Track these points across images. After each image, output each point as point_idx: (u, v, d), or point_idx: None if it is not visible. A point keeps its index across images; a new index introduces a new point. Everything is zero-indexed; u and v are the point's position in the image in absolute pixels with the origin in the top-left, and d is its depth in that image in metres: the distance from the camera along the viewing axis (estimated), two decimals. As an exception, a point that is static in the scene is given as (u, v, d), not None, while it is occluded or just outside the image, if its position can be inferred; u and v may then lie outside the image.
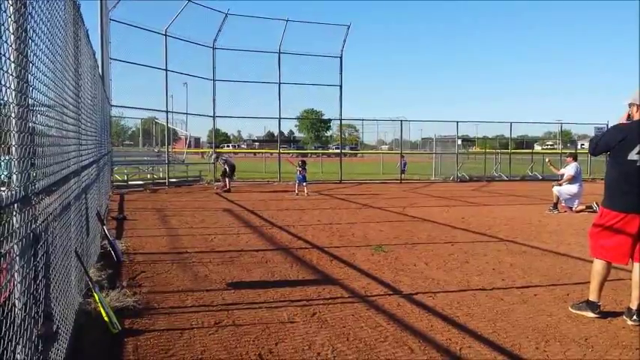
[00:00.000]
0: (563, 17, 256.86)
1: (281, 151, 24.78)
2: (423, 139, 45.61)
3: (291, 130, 71.42)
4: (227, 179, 18.38)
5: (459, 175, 26.18)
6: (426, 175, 27.81)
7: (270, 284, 5.87)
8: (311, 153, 52.88)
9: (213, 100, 22.51)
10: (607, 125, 29.88)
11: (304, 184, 17.26)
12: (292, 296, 5.40)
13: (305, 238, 8.95)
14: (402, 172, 25.55)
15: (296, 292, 5.58)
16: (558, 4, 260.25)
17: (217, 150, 20.22)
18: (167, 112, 20.54)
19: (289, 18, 22.79)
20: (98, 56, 12.62)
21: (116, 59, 18.03)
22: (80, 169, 5.13)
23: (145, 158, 25.90)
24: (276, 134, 27.95)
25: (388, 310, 4.99)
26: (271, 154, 35.79)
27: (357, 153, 56.99)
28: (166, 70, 19.92)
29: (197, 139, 28.20)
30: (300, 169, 17.33)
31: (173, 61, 20.29)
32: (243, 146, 72.19)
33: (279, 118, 23.41)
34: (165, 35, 19.87)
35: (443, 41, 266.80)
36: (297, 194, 16.95)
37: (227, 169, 18.41)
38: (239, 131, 69.16)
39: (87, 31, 6.85)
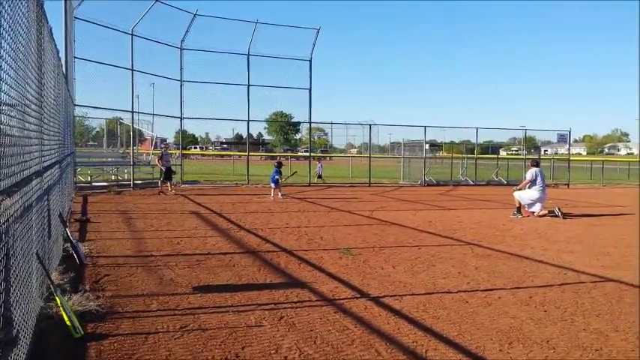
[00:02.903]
0: (527, 23, 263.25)
1: (250, 153, 24.67)
2: (391, 143, 46.12)
3: (260, 133, 70.96)
4: (167, 182, 18.12)
5: (427, 179, 26.54)
6: (394, 179, 28.07)
7: (238, 288, 5.83)
8: (280, 156, 52.73)
9: (181, 101, 22.29)
10: (569, 132, 30.80)
11: (273, 185, 17.17)
12: (260, 300, 5.37)
13: (273, 241, 8.92)
14: (319, 176, 25.48)
15: (263, 295, 5.55)
16: (524, 11, 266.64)
17: (169, 150, 19.85)
18: (133, 112, 20.20)
19: (259, 20, 22.78)
20: (62, 55, 12.32)
21: (81, 58, 17.63)
22: (42, 169, 5.00)
23: (110, 159, 25.37)
24: (244, 136, 27.79)
25: (356, 313, 5.01)
26: (240, 156, 35.65)
27: (326, 156, 57.15)
28: (132, 70, 19.59)
29: (163, 140, 27.71)
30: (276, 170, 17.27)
31: (140, 61, 20.00)
32: (211, 148, 71.46)
33: (248, 121, 23.34)
34: (132, 35, 19.55)
35: (413, 46, 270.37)
36: (273, 197, 16.84)
37: (162, 170, 18.00)
38: (207, 133, 68.32)
39: (51, 29, 6.69)
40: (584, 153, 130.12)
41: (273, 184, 17.24)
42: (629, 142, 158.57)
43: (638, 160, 40.17)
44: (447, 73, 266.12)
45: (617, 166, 44.37)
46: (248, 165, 23.81)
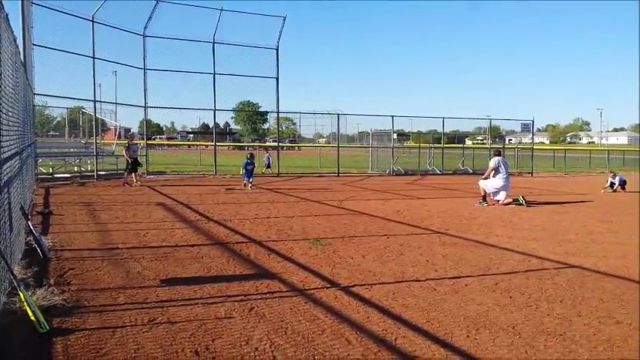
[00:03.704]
0: (490, 14, 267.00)
1: (217, 143, 24.40)
2: (359, 132, 46.26)
3: (227, 122, 70.29)
4: (133, 173, 17.78)
5: (395, 168, 26.77)
6: (362, 168, 28.22)
7: (207, 280, 5.77)
8: (248, 146, 52.35)
9: (144, 89, 21.85)
10: (533, 122, 31.47)
11: (247, 178, 16.99)
12: (229, 291, 5.33)
13: (242, 232, 8.86)
14: (267, 166, 25.28)
15: (233, 287, 5.51)
16: (487, 1, 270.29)
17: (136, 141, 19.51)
18: (95, 101, 19.68)
19: (224, 7, 22.46)
20: (20, 42, 11.90)
21: (40, 45, 17.05)
22: (2, 161, 4.83)
23: (72, 150, 24.74)
24: (211, 126, 27.46)
25: (326, 302, 5.03)
26: (206, 146, 35.23)
27: (294, 146, 56.98)
28: (94, 57, 19.06)
29: (127, 130, 27.16)
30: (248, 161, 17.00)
31: (101, 49, 19.46)
32: (176, 138, 70.42)
33: (214, 110, 23.06)
34: (93, 21, 19.01)
35: (381, 36, 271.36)
36: (251, 187, 16.77)
37: (129, 161, 17.65)
38: (172, 122, 67.24)
39: (7, 15, 6.43)
40: (547, 142, 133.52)
41: (246, 177, 17.01)
42: (590, 131, 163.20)
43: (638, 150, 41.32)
44: (414, 63, 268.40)
45: (579, 155, 45.59)
46: (215, 155, 23.56)
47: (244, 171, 17.02)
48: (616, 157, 41.66)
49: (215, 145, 24.57)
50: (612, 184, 18.14)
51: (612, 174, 18.88)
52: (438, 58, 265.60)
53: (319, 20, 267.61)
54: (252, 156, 17.47)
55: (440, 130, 29.24)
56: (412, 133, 37.54)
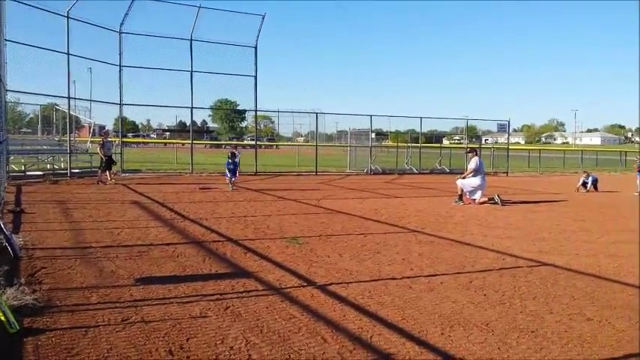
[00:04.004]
0: (467, 15, 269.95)
1: (194, 141, 24.19)
2: (338, 131, 46.32)
3: (204, 120, 69.46)
4: (107, 171, 17.47)
5: (373, 167, 26.87)
6: (341, 167, 28.27)
7: (182, 279, 5.72)
8: (225, 144, 52.03)
9: (120, 87, 21.54)
10: (508, 122, 31.91)
11: (229, 177, 16.26)
12: (205, 290, 5.29)
13: (218, 230, 8.80)
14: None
15: (209, 286, 5.47)
16: (464, 2, 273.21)
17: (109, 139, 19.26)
18: (69, 98, 19.29)
19: (201, 5, 22.24)
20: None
21: (12, 41, 16.66)
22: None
23: (45, 147, 24.25)
24: (188, 124, 27.20)
25: (302, 301, 5.02)
26: (183, 144, 34.91)
27: (272, 145, 56.84)
28: (68, 54, 18.68)
29: (102, 127, 26.78)
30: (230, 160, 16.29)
31: (76, 45, 19.08)
32: (152, 136, 69.57)
33: (192, 108, 22.84)
34: (67, 17, 18.64)
35: (361, 36, 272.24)
36: (232, 188, 15.95)
37: (103, 159, 17.35)
38: (148, 120, 66.36)
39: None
40: (523, 142, 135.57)
41: (227, 175, 16.34)
42: (564, 131, 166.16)
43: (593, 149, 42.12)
44: (393, 63, 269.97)
45: (554, 155, 46.40)
46: (192, 153, 23.35)
47: (227, 171, 16.37)
48: (589, 157, 42.43)
49: (192, 143, 24.36)
50: (585, 184, 18.50)
51: (585, 174, 19.24)
52: (417, 59, 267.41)
53: (298, 19, 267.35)
54: (233, 155, 16.63)
55: (418, 129, 29.48)
56: (390, 132, 37.79)
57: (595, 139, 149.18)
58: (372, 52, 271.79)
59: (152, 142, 54.89)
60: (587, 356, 3.86)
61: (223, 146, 50.42)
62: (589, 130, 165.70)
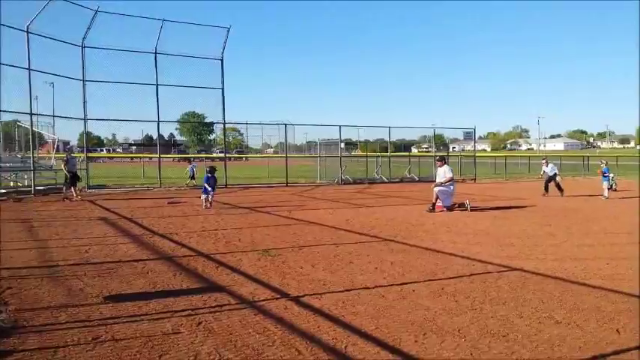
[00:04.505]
0: (433, 26, 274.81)
1: (161, 155, 23.88)
2: (308, 142, 46.41)
3: (171, 134, 68.62)
4: (72, 187, 17.06)
5: (343, 177, 26.98)
6: (311, 178, 28.29)
7: (152, 295, 5.62)
8: (194, 157, 51.47)
9: (84, 101, 21.17)
10: (474, 130, 32.55)
11: (206, 194, 14.69)
12: (176, 306, 5.21)
13: (189, 245, 8.69)
14: (192, 177, 23.98)
15: (180, 301, 5.39)
16: (430, 11, 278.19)
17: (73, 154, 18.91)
18: (31, 114, 18.86)
19: (165, 18, 22.09)
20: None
21: (-30, 58, 16.24)
22: None
23: (7, 164, 23.58)
24: (155, 138, 26.84)
25: (276, 314, 4.99)
26: (150, 158, 34.42)
27: (242, 157, 56.55)
28: (29, 69, 18.29)
29: (66, 143, 26.24)
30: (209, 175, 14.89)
31: (38, 60, 18.70)
32: (118, 150, 68.41)
33: (158, 121, 22.57)
34: (27, 32, 18.27)
35: (328, 49, 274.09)
36: (205, 206, 14.51)
37: (68, 176, 16.96)
38: (114, 134, 65.18)
39: None
40: (489, 149, 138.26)
41: (205, 191, 14.71)
42: (529, 138, 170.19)
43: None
44: (361, 73, 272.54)
45: (519, 161, 47.39)
46: (160, 167, 23.04)
47: (205, 186, 14.77)
48: (553, 162, 43.36)
49: (159, 157, 24.04)
50: (551, 179, 18.78)
51: (545, 161, 19.72)
52: (384, 69, 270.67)
53: (266, 29, 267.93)
54: (212, 169, 15.32)
55: (387, 138, 29.77)
56: (360, 142, 38.00)
57: (558, 145, 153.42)
58: (338, 63, 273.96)
59: (118, 157, 53.99)
60: (557, 359, 3.94)
61: (192, 159, 49.90)
62: (552, 136, 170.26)
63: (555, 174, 19.16)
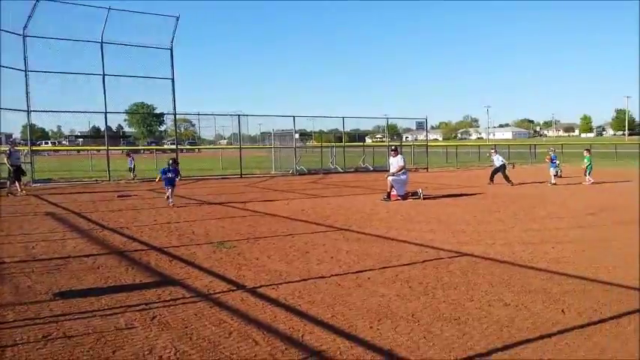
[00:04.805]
0: (387, 16, 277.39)
1: (109, 147, 23.24)
2: (262, 133, 46.11)
3: (119, 125, 66.67)
4: (16, 182, 16.39)
5: (298, 168, 26.97)
6: (266, 169, 28.15)
7: (104, 291, 5.49)
8: (144, 149, 50.29)
9: (27, 92, 20.31)
10: (426, 120, 33.12)
11: (167, 187, 13.32)
12: (129, 301, 5.11)
13: (141, 239, 8.51)
14: (131, 169, 23.07)
15: (133, 296, 5.29)
16: (381, 3, 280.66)
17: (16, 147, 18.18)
18: (-30, 107, 17.98)
19: (112, 6, 21.37)
20: None
21: None
22: None
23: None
24: (102, 129, 26.03)
25: (232, 305, 4.97)
26: (98, 150, 33.40)
27: (194, 148, 55.65)
28: (-35, 61, 17.40)
29: (9, 136, 25.17)
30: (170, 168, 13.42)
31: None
32: (65, 143, 66.05)
33: (105, 113, 21.87)
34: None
35: (281, 38, 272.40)
36: (170, 201, 13.10)
37: (11, 170, 16.32)
38: (59, 126, 62.80)
39: None
40: (441, 139, 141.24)
41: (168, 187, 13.28)
42: (478, 127, 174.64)
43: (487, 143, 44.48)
44: (315, 64, 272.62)
45: (469, 150, 48.63)
46: (108, 160, 22.39)
47: (163, 180, 13.41)
48: (502, 151, 44.60)
49: (107, 149, 23.36)
50: (500, 168, 19.16)
51: (494, 150, 20.10)
52: (338, 60, 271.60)
53: (220, 21, 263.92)
54: (174, 162, 13.87)
55: (341, 129, 29.92)
56: (314, 132, 38.08)
57: (507, 134, 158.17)
58: (292, 52, 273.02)
59: (64, 150, 52.16)
60: (506, 339, 4.09)
61: (142, 151, 48.70)
62: (501, 125, 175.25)
63: (503, 165, 19.46)
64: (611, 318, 4.53)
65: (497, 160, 19.49)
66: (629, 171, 26.84)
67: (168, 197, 13.22)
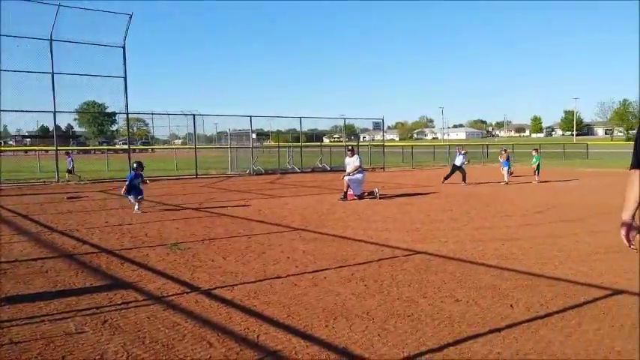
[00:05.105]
0: (342, 17, 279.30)
1: (58, 147, 22.48)
2: (218, 133, 45.62)
3: (69, 125, 64.61)
4: None
5: (255, 168, 26.82)
6: (222, 169, 27.86)
7: (53, 295, 5.32)
8: (95, 149, 48.89)
9: (-31, 92, 19.44)
10: (382, 120, 33.49)
11: (133, 197, 11.80)
12: (79, 305, 4.97)
13: (91, 242, 8.28)
14: (69, 171, 22.02)
15: (84, 300, 5.14)
16: (339, 8, 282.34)
17: None
18: None
19: (61, 3, 20.67)
20: None
21: None
22: None
23: None
24: (51, 129, 25.15)
25: (186, 308, 4.91)
26: (47, 151, 32.29)
27: (147, 148, 54.51)
28: None
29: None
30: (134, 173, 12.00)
31: None
32: (11, 143, 63.52)
33: (55, 112, 21.14)
34: None
35: (235, 40, 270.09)
36: (138, 208, 11.67)
37: None
38: (5, 126, 60.31)
39: None
40: (397, 139, 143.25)
41: (131, 196, 11.84)
42: (433, 127, 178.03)
43: (443, 144, 45.43)
44: (271, 63, 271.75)
45: (425, 150, 49.49)
46: (57, 160, 21.67)
47: (128, 187, 11.83)
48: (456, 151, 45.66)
49: (56, 149, 22.59)
50: (459, 169, 19.42)
51: (464, 151, 20.32)
52: (295, 60, 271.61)
53: (172, 20, 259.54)
54: (139, 165, 12.26)
55: (298, 129, 29.94)
56: (272, 132, 37.95)
57: (461, 134, 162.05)
58: (248, 52, 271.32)
59: (10, 150, 50.16)
60: (457, 334, 4.20)
61: (92, 151, 47.37)
62: (455, 126, 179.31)
63: (463, 164, 19.75)
64: (557, 312, 4.71)
65: (459, 160, 19.73)
66: (577, 170, 27.97)
67: (135, 205, 11.65)
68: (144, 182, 12.27)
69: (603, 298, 5.13)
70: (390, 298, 5.20)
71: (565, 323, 4.43)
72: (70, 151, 24.39)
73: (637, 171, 2.89)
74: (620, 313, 4.69)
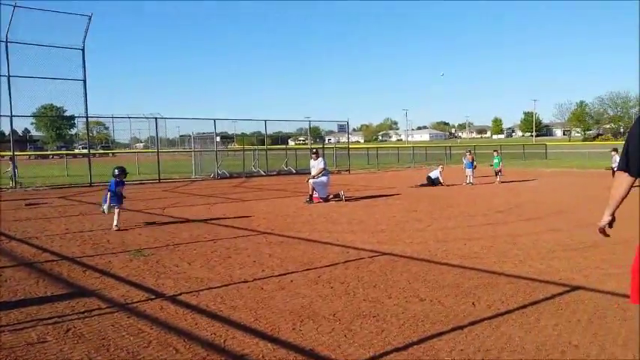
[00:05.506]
0: (301, 19, 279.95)
1: (15, 153, 21.81)
2: (181, 136, 45.04)
3: (26, 129, 62.81)
4: None
5: (219, 172, 26.60)
6: (186, 173, 27.53)
7: (13, 305, 5.18)
8: (53, 154, 47.60)
9: None
10: (347, 122, 33.70)
11: (113, 205, 10.18)
12: (41, 314, 4.85)
13: (52, 249, 8.08)
14: (13, 177, 21.25)
15: (45, 309, 5.03)
16: (304, 12, 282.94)
17: None
18: None
19: (17, 4, 20.07)
20: None
21: None
22: None
23: None
24: (7, 133, 24.38)
25: (151, 314, 4.86)
26: (3, 156, 31.29)
27: (108, 152, 53.36)
28: None
29: None
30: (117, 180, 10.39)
31: None
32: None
33: (11, 116, 20.49)
34: None
35: (195, 41, 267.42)
36: (117, 225, 9.97)
37: None
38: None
39: None
40: (362, 141, 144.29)
41: (109, 203, 10.19)
42: (398, 129, 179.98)
43: (407, 145, 46.00)
44: (235, 67, 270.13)
45: (389, 152, 50.02)
46: (15, 166, 21.00)
47: (109, 194, 10.21)
48: (420, 152, 46.42)
49: (13, 155, 21.92)
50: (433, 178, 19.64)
51: (441, 168, 20.47)
52: (259, 63, 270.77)
53: (135, 21, 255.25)
54: (122, 171, 10.66)
55: (263, 131, 29.84)
56: (236, 135, 37.71)
57: (424, 136, 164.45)
58: (211, 56, 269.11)
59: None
60: (421, 333, 4.28)
61: (51, 156, 46.07)
62: (419, 128, 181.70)
63: (438, 178, 19.79)
64: (517, 309, 4.86)
65: (435, 174, 19.84)
66: (536, 170, 28.76)
67: (117, 214, 10.13)
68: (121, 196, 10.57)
69: (561, 295, 5.31)
70: (356, 299, 5.26)
71: (525, 319, 4.58)
72: (13, 157, 23.18)
73: (625, 173, 3.04)
74: (577, 308, 4.87)
